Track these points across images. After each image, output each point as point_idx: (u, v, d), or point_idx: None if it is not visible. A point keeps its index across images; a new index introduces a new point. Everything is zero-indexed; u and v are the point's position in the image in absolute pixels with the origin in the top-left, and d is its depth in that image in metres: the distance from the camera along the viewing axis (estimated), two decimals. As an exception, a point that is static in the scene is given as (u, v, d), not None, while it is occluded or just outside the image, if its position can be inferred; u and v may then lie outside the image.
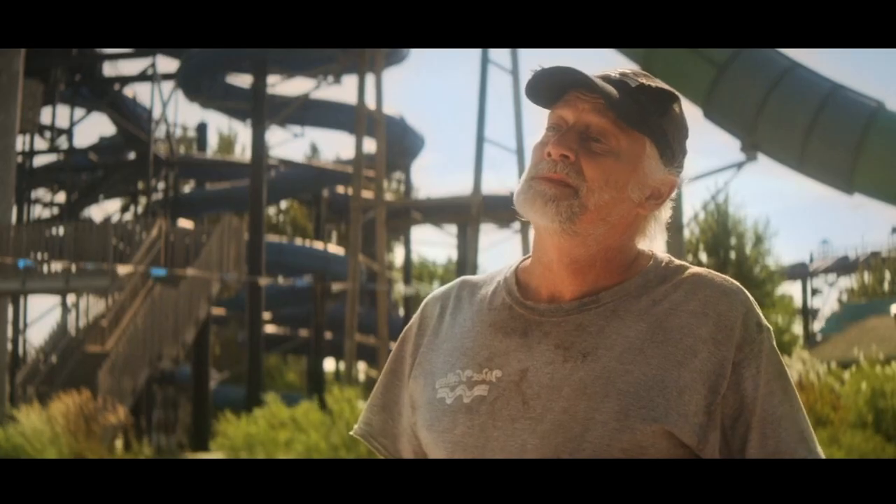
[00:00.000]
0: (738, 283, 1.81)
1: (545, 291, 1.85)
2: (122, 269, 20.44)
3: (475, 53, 28.26)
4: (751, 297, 1.80)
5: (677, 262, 1.87)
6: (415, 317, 2.00)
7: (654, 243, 1.89)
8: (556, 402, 1.73)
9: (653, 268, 1.84)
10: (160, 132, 30.94)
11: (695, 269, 1.85)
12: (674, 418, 1.70)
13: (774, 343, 1.80)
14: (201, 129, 40.18)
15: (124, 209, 38.69)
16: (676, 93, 1.86)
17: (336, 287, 28.62)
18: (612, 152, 1.78)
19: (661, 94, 1.82)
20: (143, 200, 33.71)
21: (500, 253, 60.41)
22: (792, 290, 44.51)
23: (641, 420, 1.69)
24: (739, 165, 20.35)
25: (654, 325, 1.77)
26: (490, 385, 1.79)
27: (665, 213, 1.88)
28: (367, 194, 27.29)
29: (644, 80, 1.82)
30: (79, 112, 31.62)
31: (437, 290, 2.02)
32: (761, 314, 1.80)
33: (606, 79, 1.81)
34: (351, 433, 2.07)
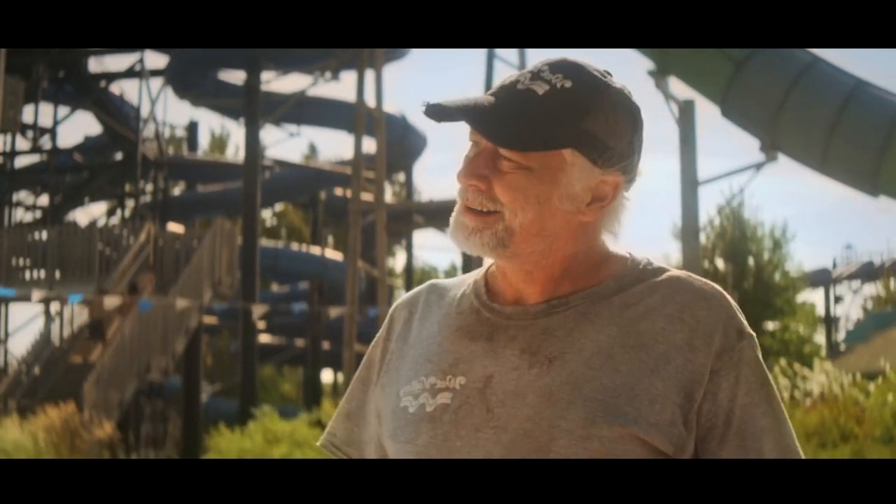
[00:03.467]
0: (719, 288, 1.81)
1: (510, 294, 1.86)
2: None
3: (480, 48, 28.29)
4: (733, 303, 1.80)
5: (656, 264, 1.86)
6: (384, 322, 2.02)
7: (613, 238, 1.87)
8: (520, 409, 1.74)
9: (629, 270, 1.84)
10: (148, 131, 30.94)
11: (674, 271, 1.84)
12: (644, 427, 1.70)
13: (758, 352, 1.79)
14: (192, 128, 40.15)
15: (111, 213, 38.69)
16: (602, 79, 1.81)
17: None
18: (524, 168, 1.76)
19: (577, 93, 1.77)
20: (130, 203, 33.68)
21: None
22: (814, 297, 44.48)
23: (609, 428, 1.69)
24: (759, 166, 20.33)
25: (626, 328, 1.76)
26: (454, 392, 1.79)
27: (617, 212, 1.85)
28: (367, 197, 27.29)
29: (559, 80, 1.77)
30: (63, 110, 31.63)
31: (406, 294, 2.03)
32: (744, 320, 1.79)
33: (511, 89, 1.78)
34: (317, 444, 2.08)
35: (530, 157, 1.75)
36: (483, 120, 1.75)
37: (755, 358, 1.78)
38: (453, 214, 1.82)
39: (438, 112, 1.77)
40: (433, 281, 2.02)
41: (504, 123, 1.75)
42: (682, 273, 1.83)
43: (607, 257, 1.86)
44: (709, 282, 1.81)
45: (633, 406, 1.70)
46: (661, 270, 1.84)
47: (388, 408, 1.89)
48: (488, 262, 1.93)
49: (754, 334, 1.80)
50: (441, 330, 1.89)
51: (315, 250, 36.81)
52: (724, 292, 1.80)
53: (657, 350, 1.74)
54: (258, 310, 26.01)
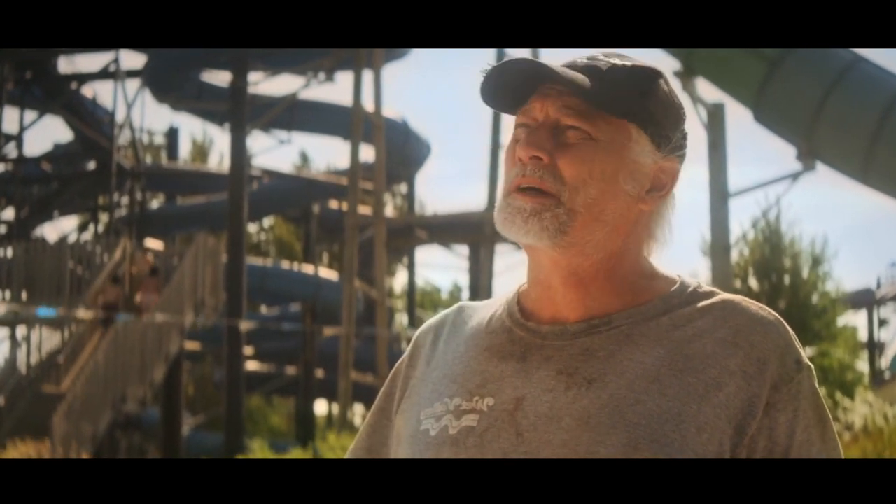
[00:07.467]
0: (776, 314, 1.81)
1: (546, 313, 1.86)
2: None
3: (489, 49, 28.29)
4: (790, 331, 1.80)
5: (707, 287, 1.87)
6: (408, 348, 2.03)
7: (659, 245, 1.90)
8: (554, 434, 1.73)
9: (677, 292, 1.86)
10: (124, 138, 30.99)
11: (727, 295, 1.85)
12: (689, 457, 1.70)
13: (816, 384, 1.80)
14: (172, 134, 40.27)
15: (83, 227, 38.76)
16: (657, 68, 1.87)
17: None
18: (590, 139, 1.79)
19: (638, 73, 1.83)
20: (104, 217, 33.73)
21: (517, 277, 60.58)
22: (856, 320, 44.31)
23: (653, 455, 1.69)
24: (795, 176, 20.32)
25: (674, 351, 1.77)
26: (480, 414, 1.79)
27: (669, 209, 1.89)
28: (365, 210, 27.32)
29: (617, 61, 1.83)
30: (30, 115, 31.68)
31: (433, 317, 2.04)
32: (802, 350, 1.80)
33: (572, 66, 1.82)
34: None
35: (598, 127, 1.79)
36: (555, 73, 1.78)
37: (814, 391, 1.79)
38: (500, 199, 1.83)
39: (495, 84, 1.82)
40: (463, 302, 2.04)
41: (577, 79, 1.78)
42: (737, 297, 1.84)
43: (654, 275, 1.88)
44: (765, 307, 1.82)
45: (680, 433, 1.71)
46: (713, 293, 1.86)
47: (408, 431, 1.89)
48: (517, 282, 1.95)
49: (812, 365, 1.81)
50: (468, 350, 1.89)
51: (308, 269, 36.82)
52: (782, 319, 1.81)
53: (708, 374, 1.75)
54: (245, 325, 25.99)
